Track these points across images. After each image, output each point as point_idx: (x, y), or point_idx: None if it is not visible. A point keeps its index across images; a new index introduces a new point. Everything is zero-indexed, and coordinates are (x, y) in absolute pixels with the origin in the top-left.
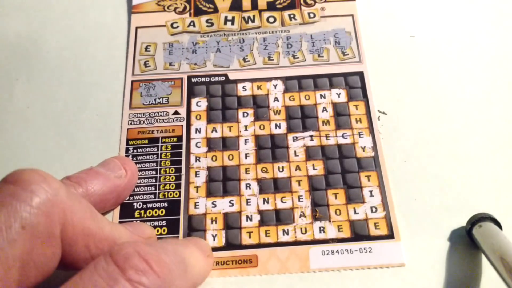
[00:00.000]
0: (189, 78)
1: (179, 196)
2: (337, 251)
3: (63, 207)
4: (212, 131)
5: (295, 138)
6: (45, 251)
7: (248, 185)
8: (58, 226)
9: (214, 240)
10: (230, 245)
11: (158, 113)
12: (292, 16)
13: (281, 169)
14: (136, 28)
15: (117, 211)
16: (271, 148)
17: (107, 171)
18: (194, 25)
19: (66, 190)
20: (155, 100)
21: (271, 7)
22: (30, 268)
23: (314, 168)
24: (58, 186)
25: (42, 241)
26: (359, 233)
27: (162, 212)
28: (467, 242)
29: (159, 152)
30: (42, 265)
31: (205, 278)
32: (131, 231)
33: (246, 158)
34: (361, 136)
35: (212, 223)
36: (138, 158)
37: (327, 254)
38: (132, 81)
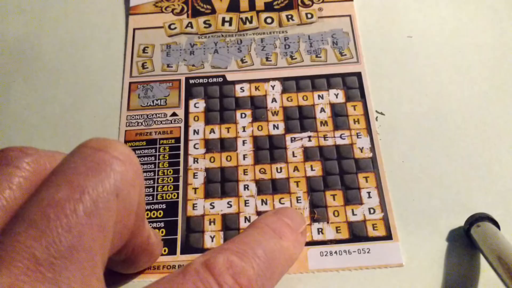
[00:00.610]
0: (187, 79)
1: (177, 197)
2: (336, 252)
3: (140, 182)
4: (210, 132)
5: (293, 139)
6: (128, 223)
7: (246, 186)
8: (137, 200)
9: (212, 241)
10: None
11: (156, 114)
12: (289, 16)
13: (279, 170)
14: (134, 29)
15: None
16: (269, 149)
17: None
18: (191, 26)
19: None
20: (153, 101)
21: (268, 8)
22: (116, 240)
23: (312, 169)
24: (138, 160)
25: (128, 213)
26: (357, 234)
27: (160, 213)
28: (465, 242)
29: (157, 153)
30: (122, 238)
31: (296, 259)
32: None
33: (244, 159)
34: (359, 136)
35: (210, 224)
36: None
37: (325, 255)
38: (130, 83)
